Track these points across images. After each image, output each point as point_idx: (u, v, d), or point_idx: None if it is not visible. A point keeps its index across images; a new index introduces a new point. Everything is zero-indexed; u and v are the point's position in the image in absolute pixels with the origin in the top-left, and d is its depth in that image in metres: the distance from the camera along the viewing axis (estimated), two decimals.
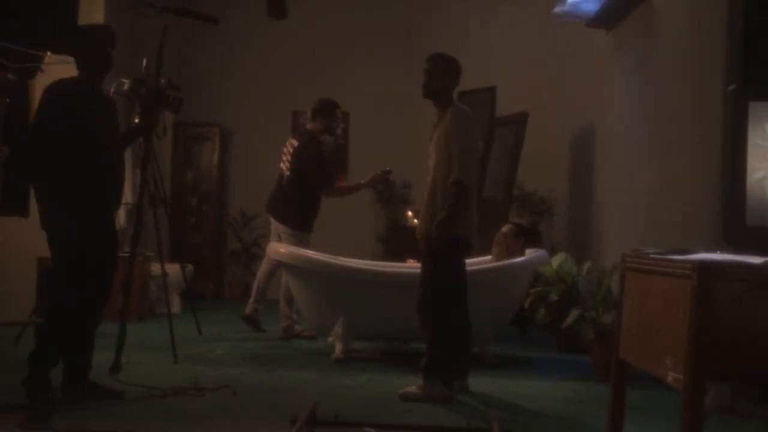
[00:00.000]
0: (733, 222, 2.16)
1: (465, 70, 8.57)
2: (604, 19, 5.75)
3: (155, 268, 6.73)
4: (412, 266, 5.83)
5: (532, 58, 7.76)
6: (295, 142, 5.90)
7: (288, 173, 5.84)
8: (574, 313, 4.96)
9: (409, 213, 8.51)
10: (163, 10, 4.61)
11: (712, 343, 1.81)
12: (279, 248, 5.44)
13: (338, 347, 5.03)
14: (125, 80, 5.14)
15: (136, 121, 4.75)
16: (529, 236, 6.36)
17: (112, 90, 5.03)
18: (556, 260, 5.75)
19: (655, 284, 2.10)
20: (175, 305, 6.66)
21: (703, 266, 1.84)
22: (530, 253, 5.45)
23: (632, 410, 3.20)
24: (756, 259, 1.89)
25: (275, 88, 8.91)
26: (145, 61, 5.20)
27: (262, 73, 8.89)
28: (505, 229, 6.01)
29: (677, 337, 1.88)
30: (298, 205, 5.78)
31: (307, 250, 5.44)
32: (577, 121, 7.13)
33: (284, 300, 5.81)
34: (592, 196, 6.66)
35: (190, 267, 7.07)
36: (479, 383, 4.34)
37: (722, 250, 2.19)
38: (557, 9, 5.88)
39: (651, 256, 2.17)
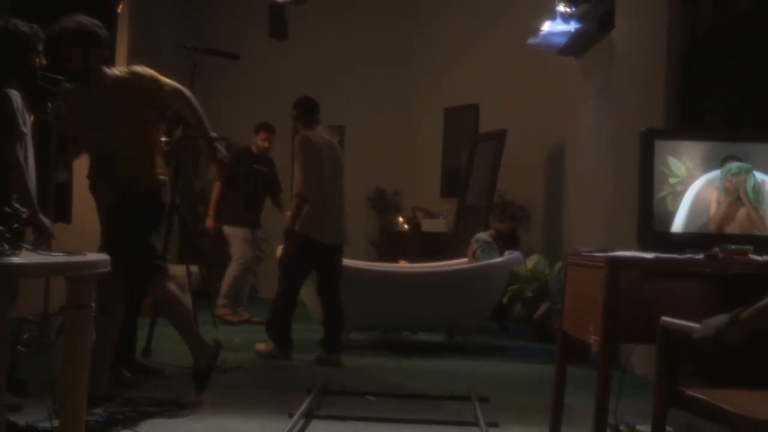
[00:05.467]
0: (643, 228, 2.92)
1: (452, 89, 9.46)
2: (572, 50, 6.50)
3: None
4: (404, 267, 6.64)
5: (511, 80, 8.43)
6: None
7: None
8: (543, 306, 5.74)
9: (400, 219, 9.23)
10: (194, 50, 5.40)
11: (618, 314, 2.56)
12: None
13: None
14: None
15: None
16: (508, 240, 7.15)
17: None
18: (531, 261, 6.51)
19: (585, 274, 2.86)
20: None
21: (612, 260, 2.59)
22: (506, 255, 6.25)
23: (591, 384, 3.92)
24: (650, 255, 2.65)
25: (276, 103, 9.60)
26: None
27: (264, 90, 9.54)
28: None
29: (596, 311, 2.63)
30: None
31: None
32: (551, 137, 7.83)
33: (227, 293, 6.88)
34: (564, 204, 7.40)
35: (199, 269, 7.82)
36: (463, 366, 5.12)
37: (636, 249, 2.94)
38: (531, 40, 6.62)
39: (582, 253, 2.93)
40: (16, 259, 1.63)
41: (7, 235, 1.66)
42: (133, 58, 7.20)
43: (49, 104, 5.22)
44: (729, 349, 1.88)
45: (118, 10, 5.80)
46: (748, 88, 4.38)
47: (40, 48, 3.47)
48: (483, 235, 6.67)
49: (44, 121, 5.39)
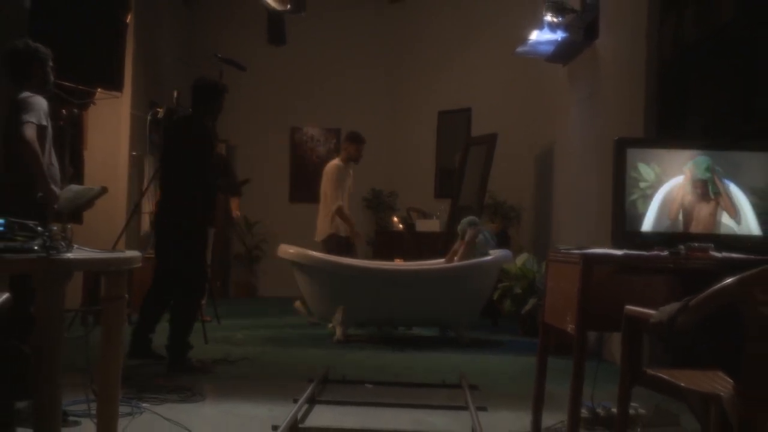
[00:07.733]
0: (617, 228, 3.23)
1: (446, 93, 9.79)
2: (559, 57, 6.79)
3: None
4: (399, 265, 6.93)
5: (502, 84, 8.70)
6: None
7: None
8: (531, 302, 6.04)
9: (395, 219, 9.51)
10: (220, 59, 5.84)
11: (591, 305, 2.87)
12: (288, 249, 6.47)
13: (339, 331, 6.07)
14: (159, 109, 6.21)
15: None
16: (499, 239, 7.45)
17: (149, 117, 6.10)
18: (520, 259, 6.81)
19: (563, 269, 3.16)
20: None
21: (585, 257, 2.90)
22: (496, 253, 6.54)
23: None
24: (620, 252, 2.96)
25: (275, 107, 9.90)
26: (175, 93, 6.24)
27: (263, 93, 9.85)
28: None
29: (572, 302, 2.93)
30: None
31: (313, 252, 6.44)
32: (540, 140, 8.12)
33: None
34: (552, 204, 7.71)
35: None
36: (455, 358, 5.42)
37: (610, 247, 3.24)
38: (519, 49, 6.91)
39: (561, 251, 3.23)
40: (71, 255, 1.91)
41: (64, 234, 1.95)
42: (137, 65, 7.49)
43: (63, 111, 5.54)
44: (680, 333, 2.18)
45: (127, 20, 6.07)
46: (729, 96, 4.63)
47: (51, 64, 3.82)
48: (475, 219, 6.76)
49: (57, 126, 5.70)
